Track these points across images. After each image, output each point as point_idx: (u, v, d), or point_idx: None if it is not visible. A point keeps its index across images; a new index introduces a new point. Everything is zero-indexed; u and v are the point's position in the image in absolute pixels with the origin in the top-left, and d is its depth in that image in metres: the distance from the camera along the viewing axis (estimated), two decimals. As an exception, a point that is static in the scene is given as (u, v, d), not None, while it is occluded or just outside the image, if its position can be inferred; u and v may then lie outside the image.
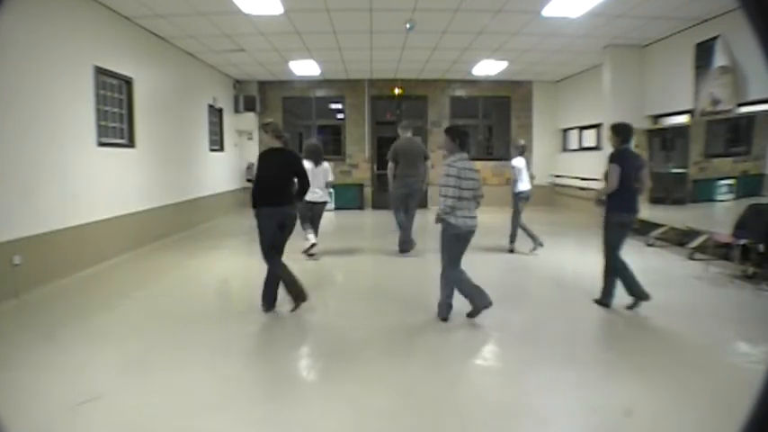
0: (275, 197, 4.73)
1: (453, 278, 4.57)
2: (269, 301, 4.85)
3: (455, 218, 4.41)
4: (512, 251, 7.71)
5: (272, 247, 4.78)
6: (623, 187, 4.73)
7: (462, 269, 4.61)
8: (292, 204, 4.87)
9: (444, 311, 4.63)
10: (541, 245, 7.56)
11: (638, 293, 4.78)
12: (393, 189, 7.59)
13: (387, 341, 4.20)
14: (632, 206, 4.84)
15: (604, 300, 4.95)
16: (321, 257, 7.32)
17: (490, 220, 8.08)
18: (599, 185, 4.74)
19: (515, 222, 7.65)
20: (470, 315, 4.61)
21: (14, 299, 5.15)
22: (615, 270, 4.85)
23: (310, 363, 3.98)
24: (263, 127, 5.08)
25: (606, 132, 5.03)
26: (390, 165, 7.55)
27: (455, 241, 4.51)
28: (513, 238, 7.75)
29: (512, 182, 7.59)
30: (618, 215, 4.82)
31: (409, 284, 5.96)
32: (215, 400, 3.13)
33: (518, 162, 7.52)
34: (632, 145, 4.86)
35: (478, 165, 10.23)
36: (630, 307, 4.83)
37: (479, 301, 4.53)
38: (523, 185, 7.50)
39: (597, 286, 5.13)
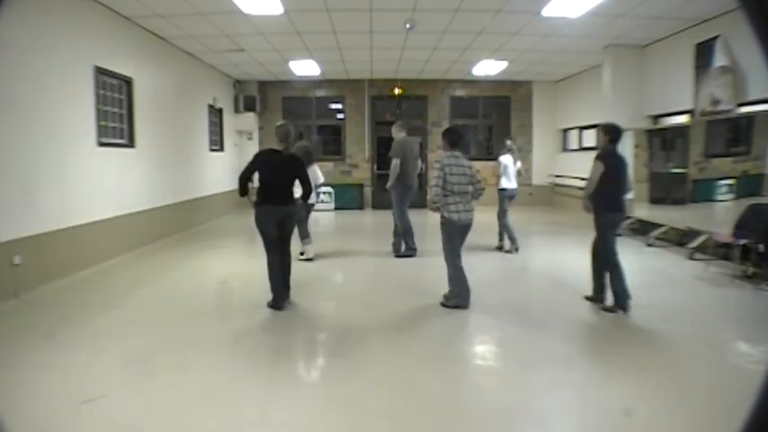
0: (274, 196, 4.94)
1: (452, 270, 4.91)
2: (276, 296, 5.00)
3: (448, 212, 4.80)
4: (500, 248, 7.82)
5: (273, 243, 4.96)
6: (612, 187, 4.80)
7: (461, 265, 4.91)
8: (292, 203, 5.07)
9: (466, 299, 4.94)
10: (517, 249, 7.63)
11: (597, 295, 5.01)
12: (400, 189, 7.27)
13: (387, 341, 4.20)
14: (622, 205, 4.92)
15: (621, 303, 4.76)
16: (322, 257, 7.33)
17: (489, 220, 8.12)
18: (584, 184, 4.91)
19: (501, 220, 7.70)
20: (443, 304, 5.00)
21: (15, 299, 5.15)
22: (619, 268, 4.78)
23: (310, 362, 3.98)
24: (275, 128, 5.25)
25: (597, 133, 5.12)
26: (396, 162, 7.20)
27: (452, 234, 4.88)
28: (501, 236, 7.85)
29: (497, 179, 7.69)
30: (611, 215, 4.86)
31: (409, 284, 5.96)
32: (215, 400, 3.13)
33: (504, 159, 7.64)
34: (619, 147, 4.93)
35: (478, 165, 10.29)
36: (589, 297, 5.07)
37: (462, 299, 4.92)
38: (508, 183, 7.61)
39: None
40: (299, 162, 5.13)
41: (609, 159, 4.82)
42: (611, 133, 4.90)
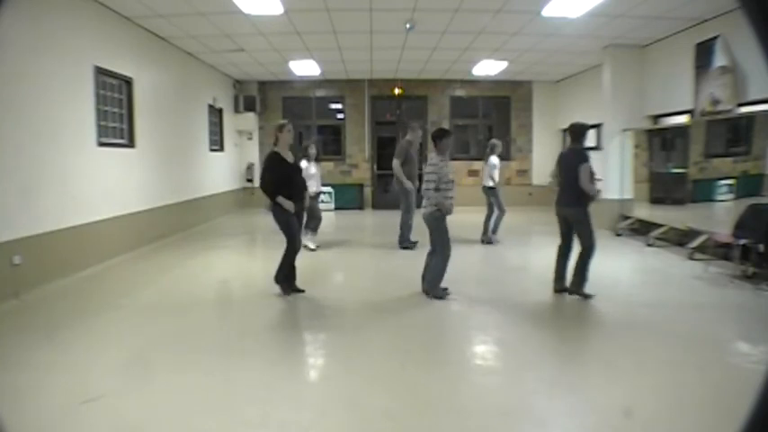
0: None
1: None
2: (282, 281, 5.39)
3: None
4: (490, 242, 8.33)
5: None
6: (562, 182, 5.31)
7: (429, 254, 5.35)
8: (272, 203, 5.28)
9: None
10: (483, 241, 8.33)
11: (557, 285, 5.41)
12: None
13: (387, 341, 4.20)
14: (567, 200, 5.26)
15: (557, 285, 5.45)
16: (323, 256, 7.33)
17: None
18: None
19: (488, 215, 8.40)
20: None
21: (15, 299, 5.15)
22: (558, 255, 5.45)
23: (310, 362, 3.98)
24: None
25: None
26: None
27: None
28: (488, 229, 8.43)
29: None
30: (556, 207, 5.43)
31: (409, 282, 5.95)
32: (215, 400, 3.13)
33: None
34: (585, 143, 5.40)
35: (477, 165, 10.31)
36: (557, 290, 5.40)
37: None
38: (485, 181, 8.38)
39: (596, 287, 5.19)
40: (274, 159, 5.30)
41: (561, 158, 5.42)
42: (573, 132, 5.35)
